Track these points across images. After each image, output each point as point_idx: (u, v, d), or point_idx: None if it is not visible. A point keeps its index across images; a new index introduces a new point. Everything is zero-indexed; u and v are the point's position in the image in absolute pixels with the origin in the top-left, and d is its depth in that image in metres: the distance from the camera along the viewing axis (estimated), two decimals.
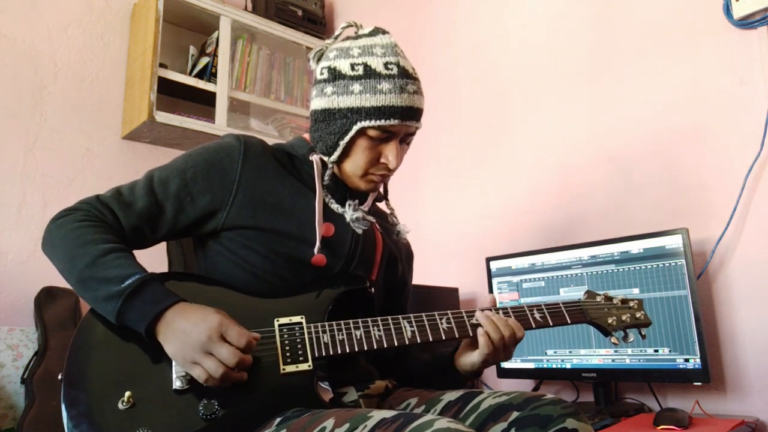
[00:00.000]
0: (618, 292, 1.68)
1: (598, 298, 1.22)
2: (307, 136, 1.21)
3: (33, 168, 2.27)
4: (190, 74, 2.61)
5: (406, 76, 1.09)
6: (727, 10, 1.72)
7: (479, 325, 1.08)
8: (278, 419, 0.92)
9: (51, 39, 2.39)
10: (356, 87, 1.07)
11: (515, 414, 0.91)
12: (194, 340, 0.91)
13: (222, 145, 1.13)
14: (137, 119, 2.41)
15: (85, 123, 2.43)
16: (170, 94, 2.54)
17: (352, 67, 1.08)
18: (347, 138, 1.09)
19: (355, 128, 1.08)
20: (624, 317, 1.20)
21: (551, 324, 1.13)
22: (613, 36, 2.02)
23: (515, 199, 2.22)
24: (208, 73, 2.58)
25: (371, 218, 1.14)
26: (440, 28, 2.61)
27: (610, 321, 1.19)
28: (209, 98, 2.57)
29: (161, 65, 2.44)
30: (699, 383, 1.56)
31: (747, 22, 1.69)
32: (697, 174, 1.77)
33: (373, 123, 1.07)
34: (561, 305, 1.16)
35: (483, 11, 2.45)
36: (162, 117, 2.38)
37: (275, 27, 2.82)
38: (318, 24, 3.00)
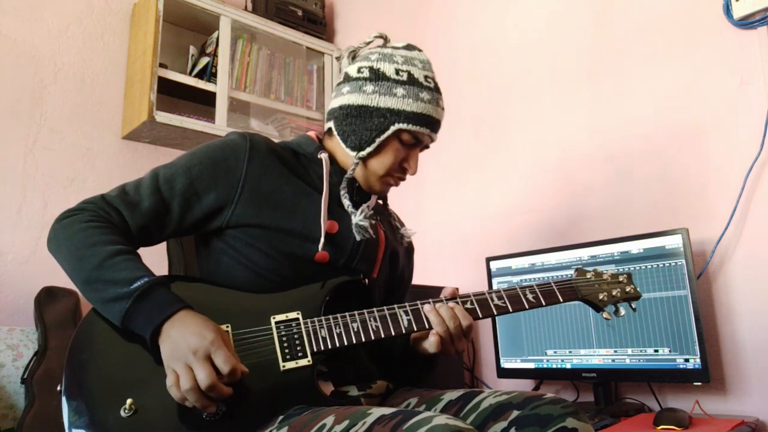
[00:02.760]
0: None
1: (588, 275, 1.23)
2: (312, 134, 1.23)
3: (33, 168, 2.27)
4: (190, 74, 2.61)
5: (438, 92, 1.18)
6: (727, 10, 1.72)
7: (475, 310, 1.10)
8: (280, 417, 0.93)
9: (51, 39, 2.39)
10: (400, 91, 1.13)
11: (515, 413, 0.91)
12: (181, 348, 0.90)
13: (227, 142, 1.13)
14: (137, 119, 2.41)
15: (85, 123, 2.43)
16: (170, 94, 2.54)
17: (397, 72, 1.14)
18: (384, 136, 1.14)
19: (392, 128, 1.13)
20: (614, 292, 1.21)
21: (544, 303, 1.14)
22: (612, 36, 2.02)
23: (515, 199, 2.22)
24: (208, 73, 2.58)
25: (371, 233, 1.15)
26: (440, 28, 2.61)
27: (601, 297, 1.20)
28: (209, 98, 2.57)
29: (161, 65, 2.44)
30: (699, 383, 1.56)
31: (747, 22, 1.69)
32: (697, 174, 1.77)
33: (410, 127, 1.13)
34: (552, 284, 1.17)
35: (483, 11, 2.45)
36: (162, 117, 2.38)
37: (275, 27, 2.82)
38: (318, 24, 3.00)
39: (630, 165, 1.92)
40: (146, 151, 2.58)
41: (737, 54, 1.72)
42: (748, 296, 1.64)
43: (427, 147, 1.23)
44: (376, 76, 1.14)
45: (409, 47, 1.20)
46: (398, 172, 1.19)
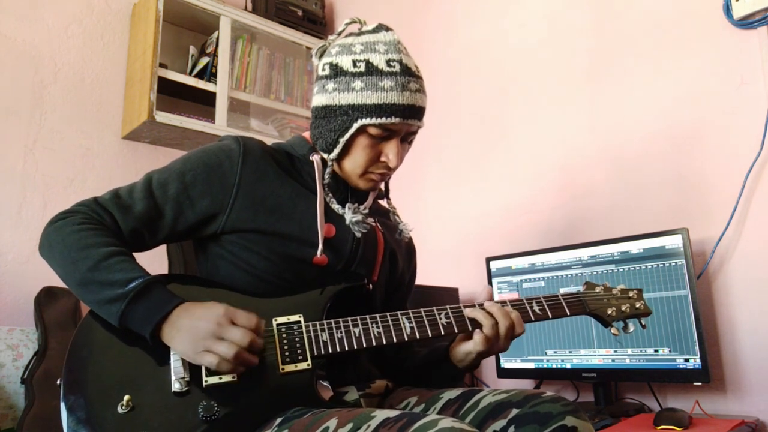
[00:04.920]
0: None
1: (598, 289, 1.21)
2: (306, 134, 1.20)
3: (33, 168, 2.27)
4: (190, 74, 2.61)
5: (408, 74, 1.07)
6: (727, 10, 1.72)
7: (475, 320, 1.08)
8: (279, 419, 0.92)
9: (51, 39, 2.39)
10: (358, 84, 1.06)
11: (515, 411, 0.91)
12: (203, 330, 0.91)
13: (221, 147, 1.12)
14: (137, 119, 2.41)
15: (85, 123, 2.43)
16: (170, 94, 2.54)
17: (354, 63, 1.07)
18: (347, 135, 1.08)
19: (355, 126, 1.07)
20: (624, 307, 1.19)
21: (551, 316, 1.12)
22: (613, 36, 2.02)
23: (515, 199, 2.22)
24: (208, 73, 2.58)
25: (371, 221, 1.13)
26: (440, 28, 2.61)
27: (609, 312, 1.18)
28: (209, 98, 2.57)
29: (161, 65, 2.44)
30: (699, 383, 1.56)
31: (747, 22, 1.69)
32: (697, 174, 1.77)
33: (373, 121, 1.06)
34: (560, 297, 1.15)
35: (483, 11, 2.45)
36: (162, 117, 2.38)
37: (275, 27, 2.82)
38: (318, 24, 3.00)
39: (630, 165, 1.92)
40: (146, 151, 2.58)
41: (737, 54, 1.72)
42: (748, 296, 1.64)
43: (413, 133, 1.13)
44: (335, 72, 1.09)
45: (376, 29, 1.12)
46: (378, 167, 1.12)
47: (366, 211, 1.14)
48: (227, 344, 0.91)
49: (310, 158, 1.15)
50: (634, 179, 1.90)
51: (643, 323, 1.21)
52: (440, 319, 1.07)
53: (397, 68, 1.07)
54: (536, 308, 1.12)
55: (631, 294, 1.22)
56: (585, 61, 2.08)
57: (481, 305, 1.10)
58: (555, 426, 0.87)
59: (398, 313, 1.07)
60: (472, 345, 1.08)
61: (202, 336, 0.91)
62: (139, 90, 2.43)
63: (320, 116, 1.11)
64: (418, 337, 1.05)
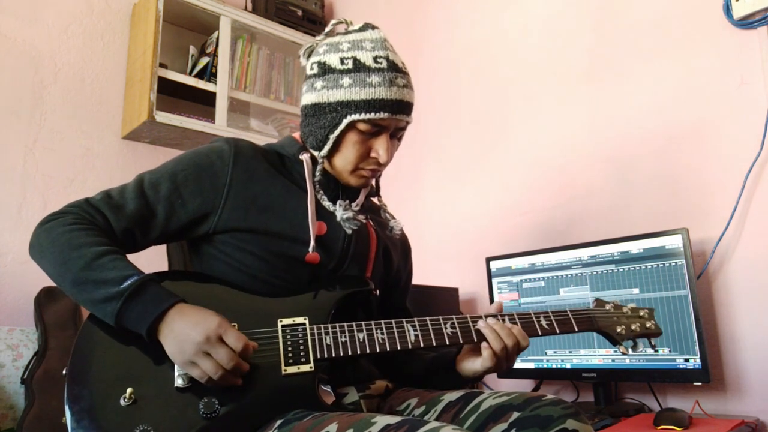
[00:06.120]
0: (618, 292, 1.69)
1: (608, 306, 1.20)
2: (296, 135, 1.21)
3: (33, 168, 2.27)
4: (190, 74, 2.61)
5: (395, 70, 1.09)
6: (727, 10, 1.73)
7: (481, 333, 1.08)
8: (279, 421, 0.92)
9: (51, 39, 2.39)
10: (346, 80, 1.08)
11: (515, 414, 0.91)
12: (192, 340, 0.91)
13: (212, 148, 1.13)
14: (137, 119, 2.41)
15: (85, 123, 2.43)
16: (170, 94, 2.54)
17: (342, 61, 1.09)
18: (337, 132, 1.10)
19: (344, 122, 1.08)
20: (633, 326, 1.18)
21: (558, 332, 1.12)
22: (612, 36, 2.02)
23: (515, 199, 2.22)
24: (208, 73, 2.58)
25: (362, 218, 1.14)
26: (440, 28, 2.61)
27: (619, 330, 1.18)
28: (209, 98, 2.57)
29: (161, 65, 2.44)
30: (699, 383, 1.56)
31: (747, 22, 1.69)
32: (697, 174, 1.77)
33: (362, 116, 1.07)
34: (569, 312, 1.15)
35: (482, 11, 2.45)
36: (162, 117, 2.38)
37: (275, 27, 2.82)
38: (318, 24, 3.00)
39: (630, 165, 1.92)
40: (146, 151, 2.58)
41: (737, 54, 1.72)
42: (748, 296, 1.64)
43: (402, 129, 1.14)
44: (323, 70, 1.11)
45: (363, 28, 1.14)
46: (368, 164, 1.13)
47: (357, 208, 1.15)
48: (213, 364, 0.91)
49: (300, 157, 1.16)
50: (634, 179, 1.90)
51: (653, 343, 1.20)
52: (446, 328, 1.08)
53: (384, 64, 1.09)
54: (544, 323, 1.12)
55: (642, 313, 1.21)
56: (585, 61, 2.08)
57: (486, 316, 1.10)
58: (556, 429, 0.87)
59: (403, 320, 1.07)
60: (480, 364, 1.08)
61: (189, 347, 0.91)
62: (139, 90, 2.43)
63: (310, 114, 1.13)
64: (422, 345, 1.06)
